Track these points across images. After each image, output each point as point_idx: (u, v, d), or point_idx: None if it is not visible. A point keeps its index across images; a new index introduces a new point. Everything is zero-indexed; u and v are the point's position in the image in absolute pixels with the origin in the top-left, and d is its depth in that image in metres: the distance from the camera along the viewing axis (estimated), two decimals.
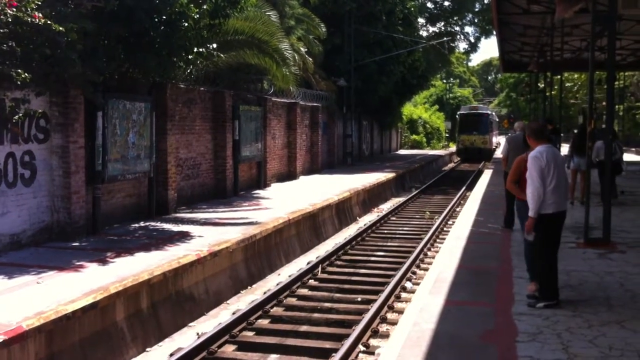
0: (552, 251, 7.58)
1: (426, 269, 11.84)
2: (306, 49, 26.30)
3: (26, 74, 9.59)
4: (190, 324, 9.65)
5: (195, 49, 12.76)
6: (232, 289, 11.31)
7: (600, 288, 8.42)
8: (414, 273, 12.38)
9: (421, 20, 49.81)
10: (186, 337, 9.06)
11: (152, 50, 11.94)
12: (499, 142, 59.33)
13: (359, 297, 10.78)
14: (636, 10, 12.23)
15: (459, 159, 49.59)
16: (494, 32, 28.20)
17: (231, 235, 12.04)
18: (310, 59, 26.84)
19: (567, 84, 53.35)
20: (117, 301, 8.34)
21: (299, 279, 11.67)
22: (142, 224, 13.53)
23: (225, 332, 8.70)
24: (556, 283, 7.66)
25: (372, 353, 8.15)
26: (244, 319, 9.24)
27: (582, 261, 9.96)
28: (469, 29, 62.74)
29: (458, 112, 52.22)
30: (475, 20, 54.52)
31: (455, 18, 54.13)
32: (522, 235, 8.73)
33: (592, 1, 11.95)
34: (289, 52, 18.68)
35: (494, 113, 60.34)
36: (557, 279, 7.76)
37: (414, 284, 11.51)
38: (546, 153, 7.44)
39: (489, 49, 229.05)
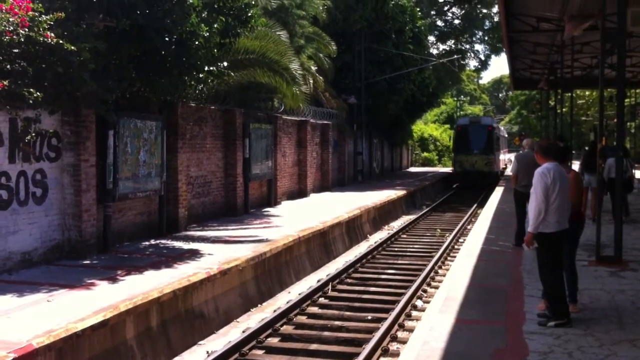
0: (558, 270, 7.55)
1: (437, 287, 11.77)
2: (316, 67, 26.41)
3: (38, 93, 9.68)
4: (200, 343, 9.64)
5: (206, 68, 12.85)
6: (242, 307, 11.29)
7: (611, 306, 8.36)
8: (425, 291, 12.33)
9: (431, 39, 50.00)
10: (196, 356, 9.05)
11: (164, 69, 12.04)
12: (510, 160, 57.38)
13: (369, 316, 10.74)
14: None
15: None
16: (504, 50, 28.22)
17: (241, 253, 12.04)
18: (321, 77, 26.94)
19: (579, 101, 53.25)
20: (127, 319, 8.35)
21: (309, 297, 11.65)
22: (152, 241, 13.56)
23: (235, 351, 8.69)
24: (566, 301, 7.62)
25: None
26: (253, 338, 9.22)
27: (593, 279, 9.89)
28: (479, 47, 63.14)
29: (455, 125, 42.54)
30: (486, 38, 54.68)
31: (465, 36, 54.30)
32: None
33: (602, 19, 11.96)
34: (299, 71, 18.76)
35: (502, 127, 53.53)
36: (567, 296, 7.74)
37: (424, 302, 11.46)
38: (553, 171, 7.44)
39: (499, 66, 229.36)
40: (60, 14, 10.08)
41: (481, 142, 37.06)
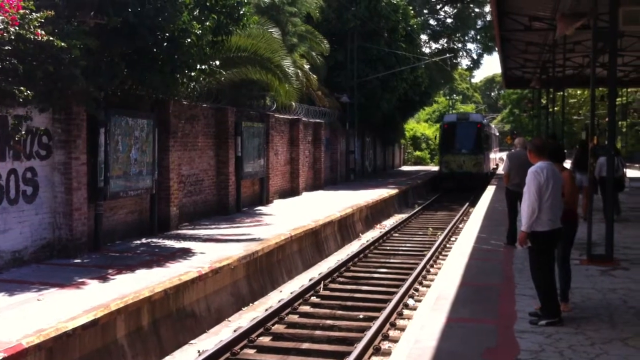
0: (550, 268, 7.56)
1: (428, 286, 11.77)
2: (309, 66, 26.40)
3: (28, 92, 9.63)
4: (191, 342, 9.61)
5: (198, 66, 12.82)
6: (233, 306, 11.26)
7: (603, 305, 8.38)
8: (417, 290, 12.33)
9: (424, 37, 50.05)
10: (187, 355, 9.02)
11: (155, 67, 11.99)
12: (501, 159, 55.97)
13: (361, 314, 10.73)
14: (637, 27, 12.24)
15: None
16: (496, 49, 28.27)
17: (233, 252, 12.02)
18: (314, 76, 26.94)
19: (571, 100, 53.41)
20: (117, 318, 8.31)
21: (301, 296, 11.63)
22: (144, 240, 13.51)
23: (226, 350, 8.66)
24: (557, 299, 7.63)
25: None
26: (245, 337, 9.20)
27: (585, 278, 9.91)
28: (471, 46, 63.19)
29: (441, 122, 39.61)
30: (478, 37, 54.78)
31: (457, 35, 54.40)
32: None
33: (594, 18, 11.98)
34: (292, 68, 18.75)
35: (492, 125, 51.97)
36: (559, 295, 7.75)
37: (416, 301, 11.46)
38: (546, 170, 7.45)
39: (491, 65, 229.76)
40: (50, 12, 10.03)
41: (470, 140, 34.24)
